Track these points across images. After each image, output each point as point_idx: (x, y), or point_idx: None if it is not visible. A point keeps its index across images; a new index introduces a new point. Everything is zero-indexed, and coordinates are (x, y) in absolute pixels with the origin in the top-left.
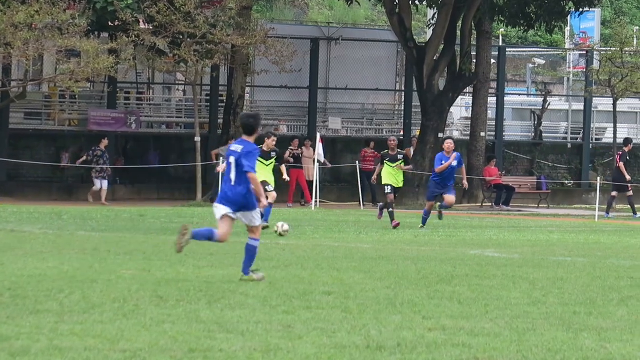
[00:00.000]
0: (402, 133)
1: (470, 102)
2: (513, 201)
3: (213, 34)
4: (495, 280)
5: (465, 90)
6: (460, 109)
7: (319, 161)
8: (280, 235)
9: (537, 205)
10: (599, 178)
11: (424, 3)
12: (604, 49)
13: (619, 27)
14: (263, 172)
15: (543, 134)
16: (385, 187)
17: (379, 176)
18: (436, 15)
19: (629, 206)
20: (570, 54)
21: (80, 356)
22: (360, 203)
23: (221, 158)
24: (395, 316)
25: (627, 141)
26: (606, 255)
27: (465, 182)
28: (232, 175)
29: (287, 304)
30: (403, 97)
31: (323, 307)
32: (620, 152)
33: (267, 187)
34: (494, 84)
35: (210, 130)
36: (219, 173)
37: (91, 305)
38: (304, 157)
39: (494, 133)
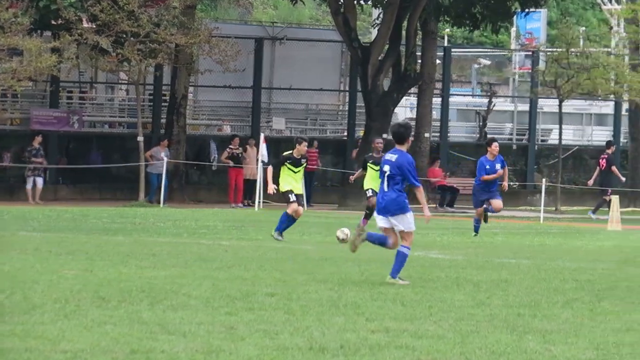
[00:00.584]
0: (345, 134)
1: (415, 102)
2: (457, 203)
3: (157, 33)
4: (439, 282)
5: (410, 91)
6: (405, 110)
7: (262, 161)
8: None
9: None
10: (544, 180)
11: (369, 3)
12: (550, 49)
13: (565, 28)
14: (291, 180)
15: (488, 135)
16: (367, 191)
17: (359, 179)
18: (381, 15)
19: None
20: (515, 55)
21: (21, 357)
22: (304, 203)
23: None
24: (338, 318)
25: (609, 143)
26: (551, 257)
27: (505, 184)
28: (385, 183)
29: (229, 305)
30: (347, 97)
31: (266, 308)
32: (606, 156)
33: (290, 196)
34: (439, 85)
35: (153, 130)
36: (152, 175)
37: (32, 306)
38: (247, 157)
39: (438, 134)
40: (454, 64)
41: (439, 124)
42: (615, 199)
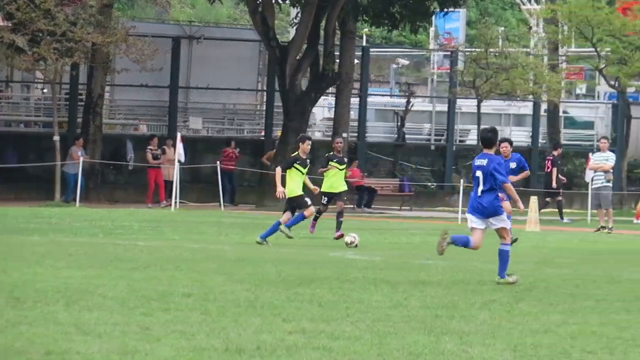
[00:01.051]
0: (263, 133)
1: (333, 102)
2: (375, 203)
3: (73, 31)
4: (356, 282)
5: (328, 91)
6: (323, 110)
7: (179, 161)
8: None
9: (399, 208)
10: (462, 180)
11: (287, 2)
12: (469, 49)
13: (484, 28)
14: (299, 181)
15: (406, 135)
16: (323, 198)
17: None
18: (299, 15)
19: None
20: (434, 55)
21: None
22: (220, 204)
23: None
24: (254, 319)
25: (556, 145)
26: (469, 259)
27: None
28: (480, 188)
29: (145, 306)
30: (265, 97)
31: (182, 309)
32: (551, 157)
33: (306, 199)
34: (357, 85)
35: (69, 129)
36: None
37: None
38: (165, 157)
39: (356, 134)
40: (372, 63)
41: (356, 124)
42: (533, 200)
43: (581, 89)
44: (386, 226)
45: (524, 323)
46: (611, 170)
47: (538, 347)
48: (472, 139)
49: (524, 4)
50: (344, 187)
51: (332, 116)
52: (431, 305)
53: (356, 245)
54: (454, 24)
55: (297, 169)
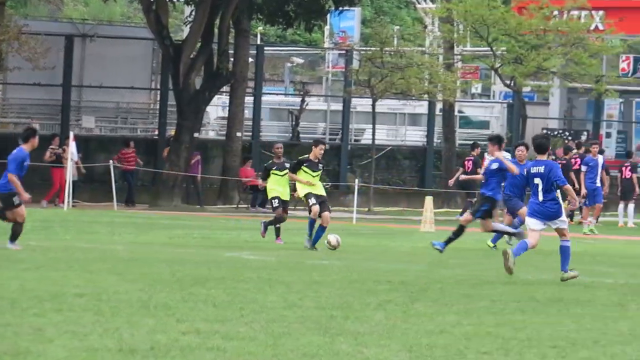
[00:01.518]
0: (157, 132)
1: (227, 101)
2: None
3: None
4: (251, 283)
5: (222, 90)
6: (217, 109)
7: (72, 160)
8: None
9: (294, 207)
10: (357, 180)
11: (181, 0)
12: (364, 48)
13: (379, 27)
14: (310, 184)
15: (300, 135)
16: (273, 201)
17: (267, 188)
18: (193, 13)
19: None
20: (329, 54)
21: None
22: (114, 203)
23: None
24: (148, 319)
25: (474, 145)
26: (364, 259)
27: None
28: (540, 195)
29: (37, 307)
30: (159, 95)
31: (75, 309)
32: (472, 158)
33: (310, 200)
34: (251, 84)
35: None
36: None
37: None
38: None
39: (250, 133)
40: (266, 62)
41: (251, 123)
42: (428, 200)
43: (477, 88)
44: (281, 226)
45: (420, 324)
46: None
47: (433, 347)
48: (367, 138)
49: (419, 3)
50: (288, 197)
51: (226, 115)
52: (326, 306)
53: (335, 248)
54: (348, 23)
55: (305, 171)
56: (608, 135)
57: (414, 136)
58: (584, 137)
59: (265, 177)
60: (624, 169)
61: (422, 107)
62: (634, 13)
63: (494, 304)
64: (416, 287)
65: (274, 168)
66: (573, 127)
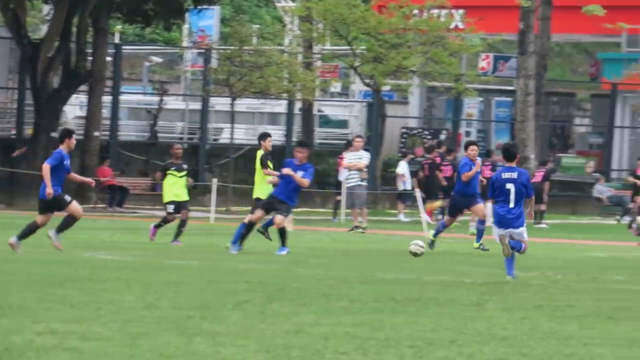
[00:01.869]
0: (14, 132)
1: (85, 100)
2: (127, 202)
3: None
4: (108, 283)
5: (80, 89)
6: (75, 108)
7: None
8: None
9: (151, 207)
10: (215, 179)
11: None
12: (223, 47)
13: (239, 26)
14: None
15: (158, 134)
16: (168, 206)
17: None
18: (52, 11)
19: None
20: (188, 53)
21: None
22: None
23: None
24: (2, 320)
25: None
26: (223, 258)
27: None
28: (513, 202)
29: None
30: (16, 95)
31: None
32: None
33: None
34: (110, 82)
35: None
36: None
37: None
38: None
39: (108, 132)
40: (125, 61)
41: (109, 123)
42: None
43: (336, 87)
44: (138, 225)
45: (277, 324)
46: (365, 169)
47: (290, 347)
48: (225, 137)
49: (278, 2)
50: (187, 197)
51: (84, 114)
52: (183, 306)
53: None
54: (208, 22)
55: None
56: (468, 134)
57: (274, 135)
58: (442, 136)
59: (163, 177)
60: (483, 168)
61: (281, 107)
62: (493, 12)
63: (352, 304)
64: (274, 287)
65: (172, 168)
66: (432, 126)
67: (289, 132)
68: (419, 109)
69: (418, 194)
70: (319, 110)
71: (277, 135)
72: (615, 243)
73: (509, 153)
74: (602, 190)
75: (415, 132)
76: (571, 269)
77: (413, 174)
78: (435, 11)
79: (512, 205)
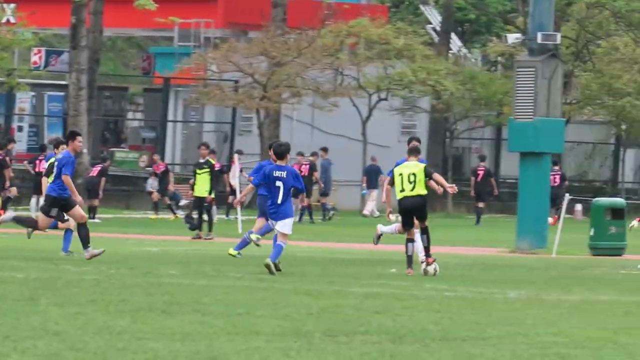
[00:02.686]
0: None
1: None
2: None
3: None
4: None
5: None
6: None
7: None
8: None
9: None
10: None
11: None
12: None
13: None
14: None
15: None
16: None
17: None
18: None
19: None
20: None
21: None
22: None
23: None
24: None
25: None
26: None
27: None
28: (281, 197)
29: None
30: None
31: None
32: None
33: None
34: None
35: None
36: None
37: None
38: None
39: None
40: None
41: None
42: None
43: None
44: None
45: None
46: None
47: None
48: None
49: None
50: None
51: None
52: None
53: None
54: None
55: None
56: (20, 129)
57: None
58: None
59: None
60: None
61: None
62: (45, 6)
63: None
64: None
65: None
66: None
67: None
68: None
69: None
70: None
71: None
72: (168, 237)
73: (281, 152)
74: (154, 184)
75: None
76: (125, 264)
77: None
78: None
79: (280, 201)
